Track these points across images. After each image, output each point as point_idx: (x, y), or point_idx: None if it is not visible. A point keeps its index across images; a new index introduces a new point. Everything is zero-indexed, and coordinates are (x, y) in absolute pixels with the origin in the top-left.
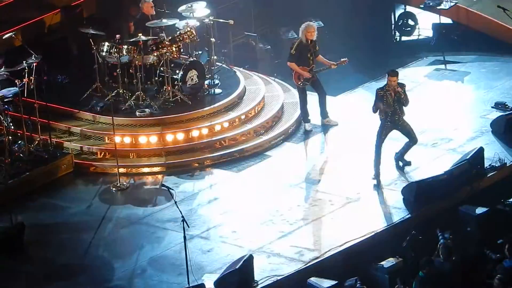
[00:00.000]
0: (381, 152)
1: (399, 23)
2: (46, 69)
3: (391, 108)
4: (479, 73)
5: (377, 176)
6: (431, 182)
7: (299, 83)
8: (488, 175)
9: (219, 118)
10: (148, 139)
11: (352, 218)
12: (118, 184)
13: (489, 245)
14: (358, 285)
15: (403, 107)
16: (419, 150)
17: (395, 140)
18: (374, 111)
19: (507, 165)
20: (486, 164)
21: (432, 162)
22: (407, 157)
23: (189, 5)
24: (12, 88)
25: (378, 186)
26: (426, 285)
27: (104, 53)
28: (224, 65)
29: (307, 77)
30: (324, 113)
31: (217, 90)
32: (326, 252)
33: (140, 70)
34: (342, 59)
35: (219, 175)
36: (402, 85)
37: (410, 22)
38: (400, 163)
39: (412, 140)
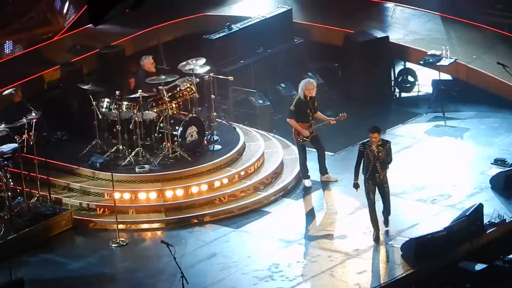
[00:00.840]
0: (376, 211)
1: (399, 79)
2: (45, 125)
3: (370, 164)
4: (479, 129)
5: (376, 235)
6: (430, 238)
7: (299, 139)
8: (487, 232)
9: (218, 174)
10: (147, 195)
11: (351, 275)
12: (118, 241)
13: None
14: None
15: (386, 165)
16: (419, 206)
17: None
18: (356, 167)
19: (507, 221)
20: (486, 220)
21: (431, 218)
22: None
23: (189, 62)
24: (11, 144)
25: (377, 243)
26: None
27: (103, 109)
28: (223, 121)
29: (306, 135)
30: (323, 170)
31: (217, 146)
32: None
33: (139, 126)
34: (340, 114)
35: (219, 231)
36: (386, 142)
37: (410, 78)
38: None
39: (385, 205)
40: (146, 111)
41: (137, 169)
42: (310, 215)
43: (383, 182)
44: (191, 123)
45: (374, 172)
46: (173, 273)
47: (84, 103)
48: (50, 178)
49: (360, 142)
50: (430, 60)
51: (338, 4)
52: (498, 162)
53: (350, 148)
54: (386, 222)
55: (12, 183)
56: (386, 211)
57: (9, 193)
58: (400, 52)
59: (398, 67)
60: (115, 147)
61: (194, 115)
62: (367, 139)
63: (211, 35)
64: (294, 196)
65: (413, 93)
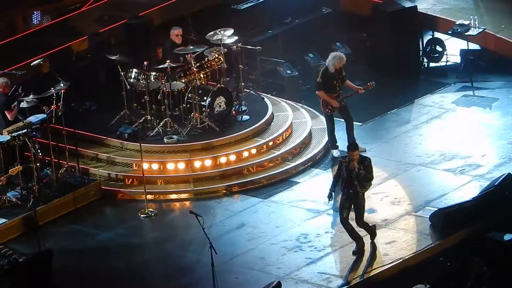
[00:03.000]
0: (350, 224)
1: (427, 50)
2: (74, 96)
3: (344, 180)
4: (507, 99)
5: (359, 247)
6: (459, 208)
7: (327, 110)
8: None
9: (246, 145)
10: (176, 166)
11: (380, 245)
12: (146, 211)
13: None
14: None
15: (366, 183)
16: (447, 176)
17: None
18: (334, 177)
19: None
20: None
21: (459, 188)
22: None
23: (217, 32)
24: (40, 115)
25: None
26: None
27: (132, 80)
28: (251, 92)
29: (335, 106)
30: (351, 140)
31: (245, 117)
32: (353, 279)
33: (168, 97)
34: (369, 83)
35: (247, 202)
36: (364, 159)
37: (438, 48)
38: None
39: (357, 221)
40: (174, 82)
41: (165, 140)
42: (339, 185)
43: (358, 199)
44: (219, 93)
45: (348, 187)
46: (202, 244)
47: (112, 73)
48: (78, 148)
49: (341, 156)
50: (459, 30)
51: None
52: None
53: (378, 119)
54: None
55: (40, 154)
56: (358, 224)
57: (38, 164)
58: (428, 22)
59: (426, 37)
60: (143, 118)
61: (222, 85)
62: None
63: (239, 5)
64: (323, 167)
65: (442, 63)
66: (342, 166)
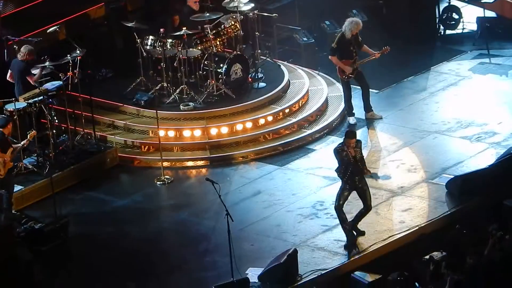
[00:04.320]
0: (344, 213)
1: (444, 17)
2: (90, 63)
3: (350, 166)
4: None
5: (350, 242)
6: (476, 176)
7: (343, 76)
8: None
9: (263, 112)
10: (192, 133)
11: (396, 212)
12: (162, 178)
13: None
14: (401, 278)
15: (364, 166)
16: (463, 144)
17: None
18: (339, 172)
19: None
20: None
21: (476, 156)
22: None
23: None
24: (56, 82)
25: (350, 251)
26: None
27: (148, 47)
28: (268, 59)
29: (349, 72)
30: (367, 107)
31: (261, 84)
32: (370, 246)
33: (184, 64)
34: (384, 48)
35: (263, 169)
36: (359, 141)
37: (455, 15)
38: (354, 233)
39: (366, 207)
40: (191, 49)
41: (181, 107)
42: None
43: (363, 183)
44: (235, 60)
45: (354, 174)
46: (218, 211)
47: (128, 40)
48: (94, 115)
49: (336, 147)
50: None
51: None
52: None
53: (394, 86)
54: (358, 222)
55: (56, 121)
56: (367, 209)
57: (54, 131)
58: None
59: (443, 5)
60: (160, 85)
61: (239, 52)
62: (341, 143)
63: None
64: (339, 134)
65: (458, 30)
66: (348, 154)
